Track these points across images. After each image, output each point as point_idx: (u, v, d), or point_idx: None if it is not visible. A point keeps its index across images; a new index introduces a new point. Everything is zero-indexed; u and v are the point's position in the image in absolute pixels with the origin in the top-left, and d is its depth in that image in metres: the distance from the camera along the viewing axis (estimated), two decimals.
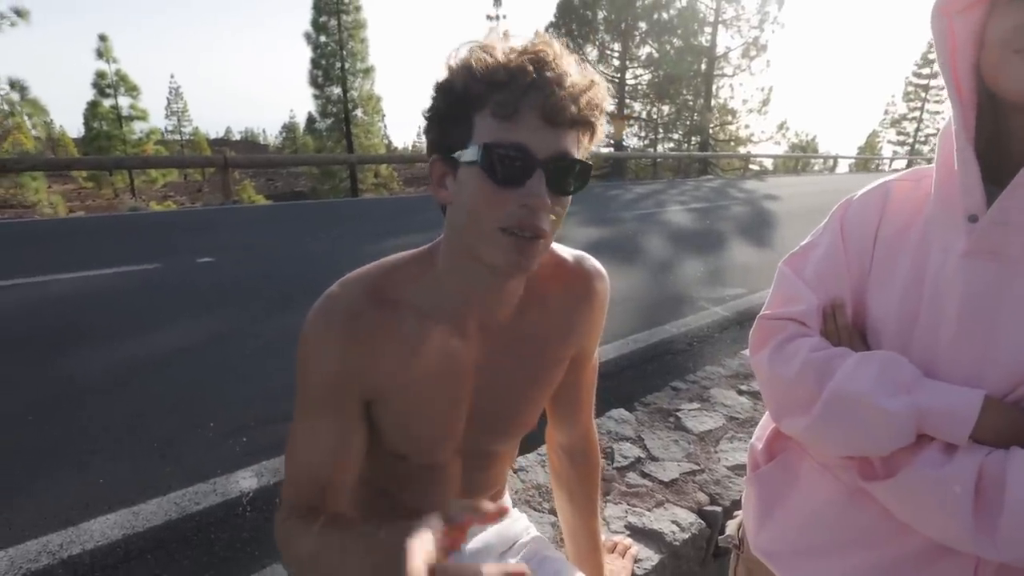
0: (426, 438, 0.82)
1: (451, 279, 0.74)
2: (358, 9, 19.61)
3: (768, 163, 28.82)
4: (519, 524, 1.07)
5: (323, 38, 19.58)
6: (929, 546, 0.68)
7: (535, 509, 1.49)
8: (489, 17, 29.43)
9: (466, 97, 0.63)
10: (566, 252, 0.86)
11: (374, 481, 0.91)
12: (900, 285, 0.72)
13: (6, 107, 11.56)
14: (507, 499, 1.10)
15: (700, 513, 1.47)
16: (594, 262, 0.88)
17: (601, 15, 24.32)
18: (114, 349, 3.15)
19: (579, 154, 0.66)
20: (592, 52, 25.06)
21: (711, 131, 25.90)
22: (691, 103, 25.76)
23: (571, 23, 24.36)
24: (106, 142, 22.36)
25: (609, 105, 0.67)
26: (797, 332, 0.76)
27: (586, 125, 0.65)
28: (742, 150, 25.66)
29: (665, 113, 26.52)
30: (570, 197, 0.68)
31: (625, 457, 1.70)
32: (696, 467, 1.67)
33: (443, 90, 0.65)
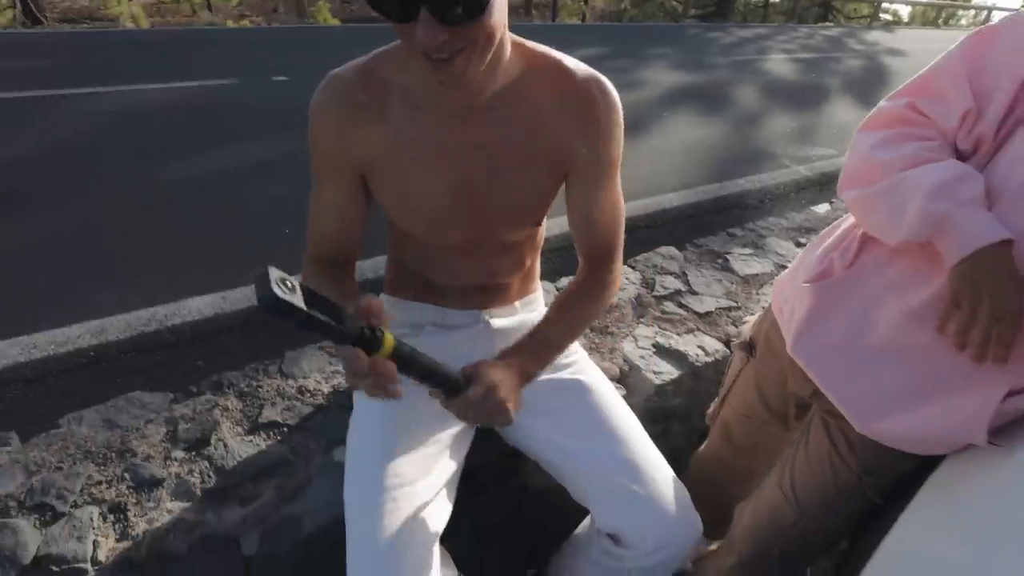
0: (424, 217, 0.89)
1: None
2: None
3: (904, 12, 24.56)
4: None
5: None
6: (968, 367, 0.71)
7: None
8: None
9: None
10: (576, 65, 0.85)
11: (409, 268, 1.02)
12: None
13: None
14: (539, 291, 1.18)
15: (727, 343, 1.53)
16: (605, 86, 0.85)
17: None
18: (201, 159, 3.38)
19: None
20: None
21: None
22: None
23: None
24: None
25: None
26: (924, 134, 0.77)
27: None
28: None
29: None
30: (482, 18, 0.63)
31: (665, 288, 1.75)
32: (733, 304, 1.71)
33: None
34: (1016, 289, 0.65)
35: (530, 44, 0.84)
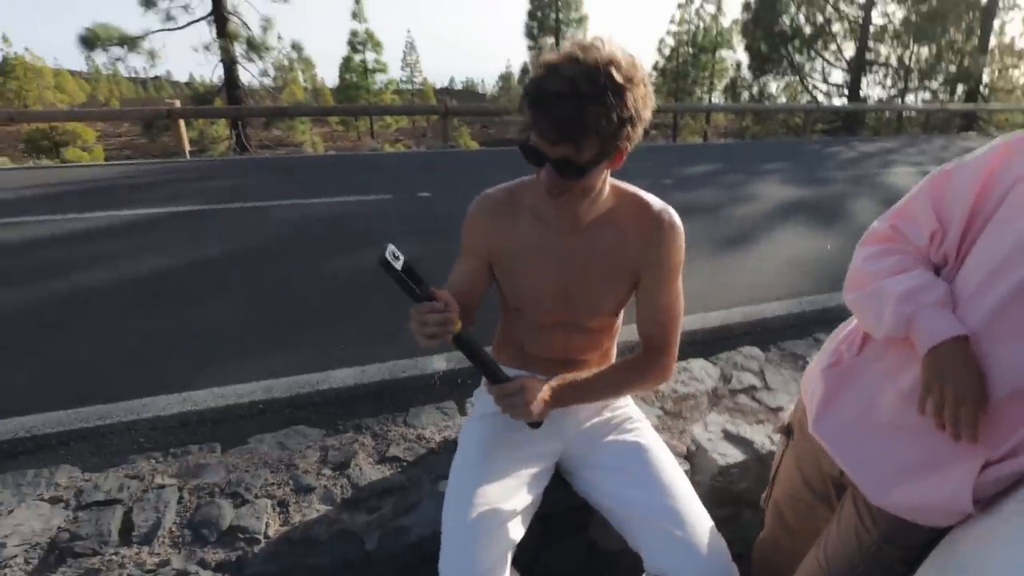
0: (531, 297, 1.22)
1: None
2: None
3: None
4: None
5: None
6: (952, 443, 0.83)
7: (644, 401, 1.80)
8: None
9: (523, 94, 0.97)
10: (653, 201, 1.19)
11: (511, 338, 1.35)
12: (1011, 240, 0.80)
13: (287, 63, 13.95)
14: None
15: None
16: (673, 216, 1.18)
17: None
18: (356, 258, 4.07)
19: (587, 150, 0.95)
20: None
21: (986, 78, 21.12)
22: (959, 44, 21.18)
23: None
24: (354, 92, 25.90)
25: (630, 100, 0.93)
26: (903, 249, 0.95)
27: (573, 140, 0.94)
28: None
29: (923, 57, 22.19)
30: (581, 179, 1.00)
31: (741, 383, 1.90)
32: None
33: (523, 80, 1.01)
34: (973, 376, 0.79)
35: (622, 184, 1.21)
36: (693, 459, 1.57)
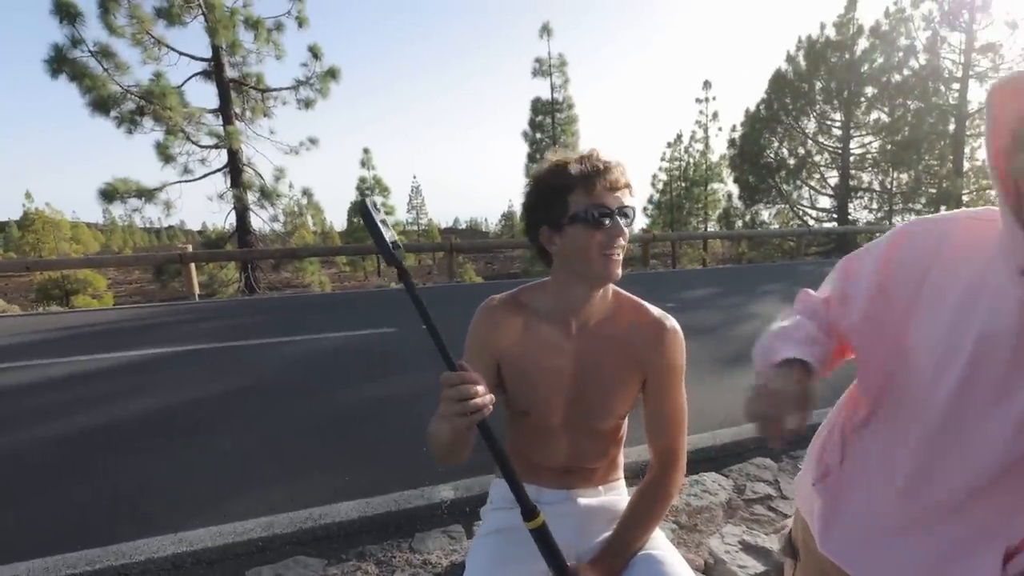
0: (539, 398, 1.25)
1: (559, 294, 1.20)
2: (571, 107, 21.60)
3: None
4: (626, 499, 1.37)
5: (538, 135, 21.88)
6: (970, 532, 0.82)
7: None
8: (698, 100, 29.97)
9: (561, 186, 1.11)
10: (651, 307, 1.27)
11: (518, 450, 1.35)
12: (947, 317, 0.82)
13: (297, 209, 14.79)
14: (621, 480, 1.42)
15: None
16: (672, 320, 1.26)
17: (819, 85, 23.12)
18: (365, 390, 4.09)
19: (631, 201, 1.13)
20: (809, 125, 23.77)
21: (966, 198, 22.25)
22: (936, 168, 22.58)
23: (784, 97, 23.56)
24: (362, 234, 27.30)
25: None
26: (809, 309, 1.05)
27: (627, 186, 1.13)
28: None
29: (904, 182, 23.56)
30: (632, 226, 1.14)
31: (756, 493, 1.85)
32: None
33: (542, 185, 1.15)
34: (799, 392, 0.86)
35: (623, 292, 1.29)
36: (712, 573, 1.49)
